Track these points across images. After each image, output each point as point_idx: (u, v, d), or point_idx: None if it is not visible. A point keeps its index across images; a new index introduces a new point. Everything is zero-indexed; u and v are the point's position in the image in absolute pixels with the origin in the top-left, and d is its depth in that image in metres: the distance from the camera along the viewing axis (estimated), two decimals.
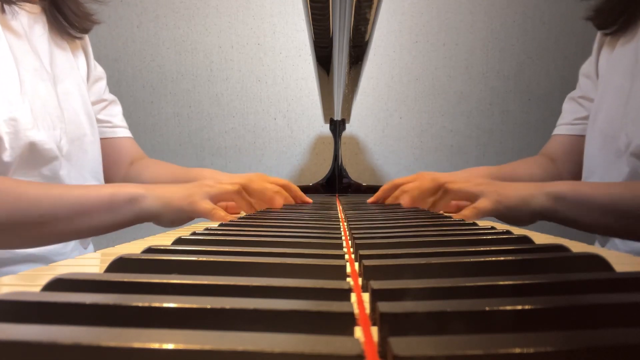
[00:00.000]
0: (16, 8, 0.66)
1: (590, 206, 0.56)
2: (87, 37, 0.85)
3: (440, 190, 0.64)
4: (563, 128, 0.89)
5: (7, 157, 0.60)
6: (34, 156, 0.63)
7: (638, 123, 0.67)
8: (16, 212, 0.53)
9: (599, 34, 0.82)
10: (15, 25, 0.67)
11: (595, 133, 0.77)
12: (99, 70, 0.89)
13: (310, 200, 0.81)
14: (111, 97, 0.90)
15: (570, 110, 0.89)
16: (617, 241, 0.76)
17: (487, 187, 0.60)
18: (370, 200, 0.82)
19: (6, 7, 0.65)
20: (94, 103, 0.84)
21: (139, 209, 0.58)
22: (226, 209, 0.69)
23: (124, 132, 0.91)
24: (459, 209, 0.65)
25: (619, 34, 0.76)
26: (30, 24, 0.69)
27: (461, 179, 0.66)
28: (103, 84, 0.89)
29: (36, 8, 0.71)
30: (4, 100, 0.60)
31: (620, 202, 0.55)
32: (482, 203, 0.58)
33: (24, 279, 0.27)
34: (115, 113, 0.90)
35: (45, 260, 0.70)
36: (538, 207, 0.57)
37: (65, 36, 0.78)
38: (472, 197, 0.61)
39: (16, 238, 0.56)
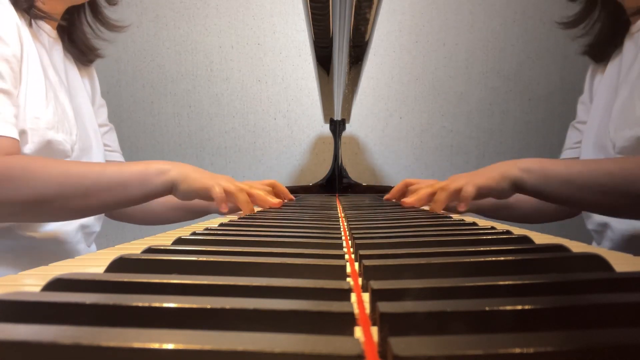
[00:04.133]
0: (40, 26, 0.74)
1: (551, 176, 0.65)
2: (92, 66, 0.94)
3: (439, 192, 0.70)
4: (567, 152, 0.98)
5: (27, 149, 0.66)
6: (49, 153, 0.69)
7: (618, 127, 0.75)
8: (64, 187, 0.61)
9: (589, 71, 0.93)
10: (41, 40, 0.74)
11: (589, 146, 0.85)
12: (101, 100, 0.98)
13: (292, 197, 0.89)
14: (110, 124, 1.00)
15: (571, 136, 0.98)
16: (609, 232, 0.82)
17: (472, 175, 0.70)
18: (386, 197, 0.91)
19: (33, 22, 0.73)
20: (100, 125, 0.93)
21: (164, 180, 0.67)
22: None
23: (118, 157, 0.99)
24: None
25: (608, 62, 0.86)
26: (51, 44, 0.78)
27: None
28: (105, 111, 0.99)
29: (54, 33, 0.79)
30: (31, 101, 0.67)
31: (577, 175, 0.64)
32: (475, 179, 0.68)
33: (24, 279, 0.27)
34: (113, 138, 0.99)
35: (52, 247, 0.75)
36: (513, 177, 0.67)
37: (75, 61, 0.87)
38: (459, 192, 0.69)
39: (64, 210, 0.64)
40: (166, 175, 0.67)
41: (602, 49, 0.86)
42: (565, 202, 0.69)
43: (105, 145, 0.93)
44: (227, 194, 0.67)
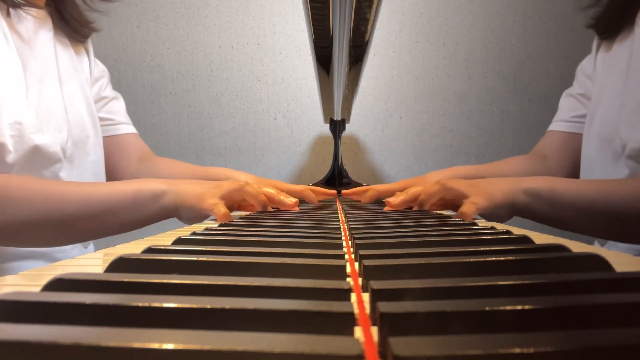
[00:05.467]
0: (22, 13, 0.67)
1: (563, 202, 0.57)
2: (89, 39, 0.85)
3: (434, 183, 0.63)
4: (560, 124, 0.88)
5: (10, 159, 0.60)
6: (38, 159, 0.64)
7: (632, 125, 0.67)
8: (46, 212, 0.54)
9: (595, 41, 0.83)
10: (21, 29, 0.67)
11: (592, 135, 0.77)
12: (99, 68, 0.88)
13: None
14: (113, 93, 0.89)
15: (568, 107, 0.87)
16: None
17: (475, 187, 0.60)
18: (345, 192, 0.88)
19: (12, 11, 0.65)
20: (98, 100, 0.84)
21: (160, 206, 0.59)
22: (239, 208, 0.69)
23: (127, 128, 0.89)
24: (435, 206, 0.66)
25: (614, 42, 0.77)
26: (36, 29, 0.70)
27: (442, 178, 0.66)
28: (104, 82, 0.88)
29: (42, 13, 0.71)
30: (9, 104, 0.60)
31: (591, 201, 0.55)
32: (478, 199, 0.58)
33: (25, 279, 0.27)
34: (116, 109, 0.88)
35: (47, 257, 0.71)
36: (516, 202, 0.58)
37: (69, 39, 0.79)
38: (462, 197, 0.60)
39: (46, 237, 0.57)
40: (161, 199, 0.59)
41: (611, 23, 0.77)
42: (576, 229, 0.61)
43: (105, 120, 0.85)
44: (235, 192, 0.61)
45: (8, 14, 0.65)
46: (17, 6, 0.65)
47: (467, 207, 0.57)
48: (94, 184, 0.60)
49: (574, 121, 0.85)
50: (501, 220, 0.60)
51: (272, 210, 0.68)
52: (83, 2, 0.79)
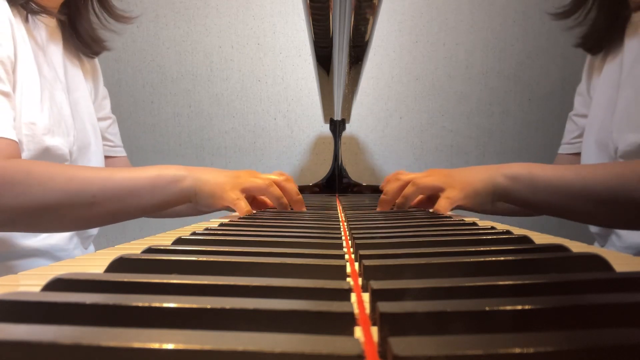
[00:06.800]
0: (37, 20, 0.71)
1: (541, 186, 0.59)
2: (96, 59, 0.90)
3: (409, 185, 0.65)
4: (563, 147, 0.95)
5: (23, 157, 0.62)
6: (47, 160, 0.66)
7: (622, 129, 0.72)
8: (69, 193, 0.56)
9: (587, 60, 0.89)
10: (36, 36, 0.71)
11: (591, 143, 0.82)
12: (105, 89, 0.94)
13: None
14: (113, 115, 0.95)
15: (569, 129, 0.95)
16: (614, 238, 0.78)
17: (450, 178, 0.63)
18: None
19: (29, 17, 0.69)
20: (102, 119, 0.89)
21: (180, 189, 0.61)
22: (252, 203, 0.70)
23: (122, 151, 0.96)
24: (421, 203, 0.69)
25: (607, 55, 0.83)
26: (47, 37, 0.74)
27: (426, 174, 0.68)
28: (109, 101, 0.94)
29: (53, 22, 0.75)
30: (26, 105, 0.63)
31: (569, 183, 0.58)
32: (452, 192, 0.61)
33: (24, 279, 0.27)
34: (115, 132, 0.94)
35: (48, 255, 0.72)
36: (496, 186, 0.60)
37: (79, 53, 0.83)
38: (438, 190, 0.63)
39: (69, 220, 0.59)
40: (181, 183, 0.61)
41: (597, 41, 0.81)
42: (555, 212, 0.63)
43: (108, 140, 0.90)
44: (257, 190, 0.63)
45: (26, 20, 0.68)
46: (35, 13, 0.68)
47: (441, 204, 0.60)
48: (116, 169, 0.62)
49: (572, 142, 0.92)
50: (485, 207, 0.62)
51: (272, 210, 0.68)
52: (98, 21, 0.83)
